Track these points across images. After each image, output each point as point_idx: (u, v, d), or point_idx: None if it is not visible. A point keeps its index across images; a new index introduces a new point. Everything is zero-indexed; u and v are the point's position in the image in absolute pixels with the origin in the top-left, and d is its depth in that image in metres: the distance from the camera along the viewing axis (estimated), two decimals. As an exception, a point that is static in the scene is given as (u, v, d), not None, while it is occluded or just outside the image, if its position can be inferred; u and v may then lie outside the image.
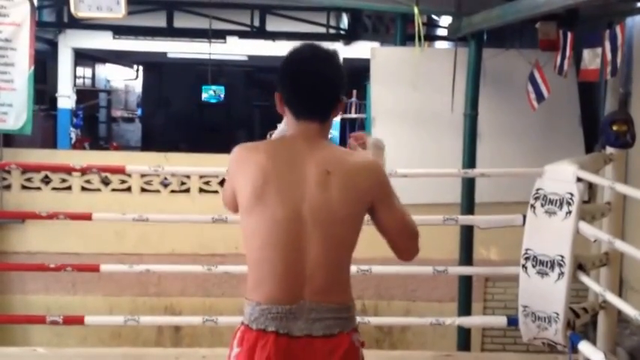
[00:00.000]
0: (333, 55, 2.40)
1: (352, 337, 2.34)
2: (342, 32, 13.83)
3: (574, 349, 4.54)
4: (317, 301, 2.26)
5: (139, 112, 21.30)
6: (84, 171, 6.65)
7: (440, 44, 11.85)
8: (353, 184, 2.27)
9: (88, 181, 8.05)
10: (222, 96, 19.36)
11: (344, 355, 2.30)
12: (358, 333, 2.41)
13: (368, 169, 2.33)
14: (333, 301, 2.29)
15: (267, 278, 2.29)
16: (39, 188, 8.06)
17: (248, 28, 12.93)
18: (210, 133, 18.76)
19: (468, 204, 6.68)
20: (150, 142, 18.24)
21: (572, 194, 4.50)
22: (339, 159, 2.31)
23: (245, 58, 16.22)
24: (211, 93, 18.90)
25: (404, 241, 2.42)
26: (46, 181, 8.07)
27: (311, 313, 2.26)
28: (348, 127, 15.29)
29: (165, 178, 8.09)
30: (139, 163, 6.71)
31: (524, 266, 4.72)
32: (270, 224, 2.25)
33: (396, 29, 9.27)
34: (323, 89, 2.32)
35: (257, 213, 2.27)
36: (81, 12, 7.16)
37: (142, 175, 7.98)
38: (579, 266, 4.60)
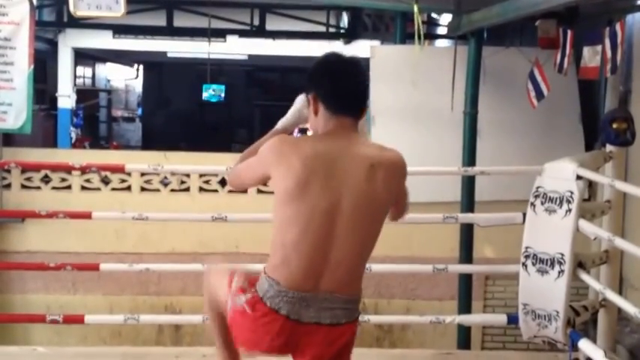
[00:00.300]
0: (359, 63, 2.61)
1: (354, 327, 2.49)
2: (342, 31, 13.83)
3: (574, 347, 4.53)
4: (332, 292, 2.39)
5: (139, 111, 21.29)
6: (83, 170, 6.63)
7: (440, 43, 11.84)
8: (392, 176, 2.47)
9: (87, 181, 8.04)
10: (223, 95, 19.36)
11: (344, 345, 2.45)
12: (358, 320, 2.56)
13: (401, 164, 2.54)
14: (347, 293, 2.43)
15: (293, 262, 2.39)
16: (39, 187, 8.05)
17: (248, 27, 12.92)
18: (210, 132, 18.78)
19: (468, 202, 6.68)
20: (150, 142, 18.24)
21: (572, 192, 4.49)
22: (379, 153, 2.50)
23: (245, 58, 16.21)
24: (211, 92, 18.90)
25: (401, 207, 2.71)
26: (46, 180, 8.06)
27: (324, 302, 2.39)
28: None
29: (165, 177, 8.08)
30: (139, 162, 6.71)
31: (524, 264, 4.72)
32: (310, 213, 2.37)
33: (395, 27, 9.27)
34: (359, 88, 2.55)
35: (299, 202, 2.38)
36: (80, 11, 7.15)
37: (142, 174, 7.98)
38: (579, 264, 4.60)
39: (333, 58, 2.57)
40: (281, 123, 2.82)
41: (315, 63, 2.60)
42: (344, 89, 2.51)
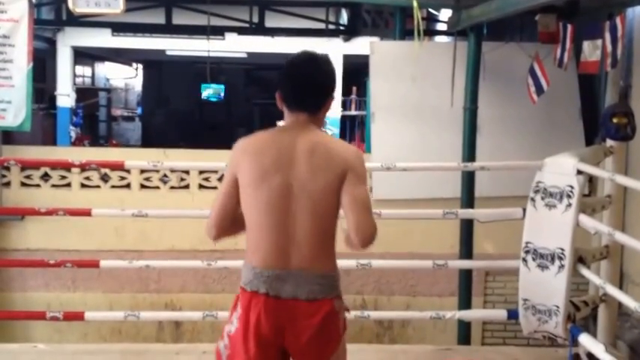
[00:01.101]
0: (324, 61, 2.81)
1: (334, 303, 2.67)
2: (341, 28, 13.82)
3: (574, 342, 4.53)
4: (303, 268, 2.61)
5: (138, 110, 21.28)
6: (82, 167, 6.63)
7: (440, 39, 11.83)
8: (336, 163, 2.64)
9: (87, 178, 8.03)
10: (222, 94, 19.34)
11: (324, 318, 2.62)
12: (341, 300, 2.73)
13: (347, 150, 2.73)
14: (318, 269, 2.64)
15: (261, 245, 2.66)
16: (38, 185, 8.04)
17: (247, 25, 12.91)
18: (210, 131, 18.76)
19: (468, 198, 6.67)
20: (150, 141, 18.20)
21: (572, 187, 4.49)
22: (325, 142, 2.72)
23: (244, 55, 16.20)
24: (211, 91, 18.92)
25: (360, 219, 2.62)
26: (46, 178, 8.06)
27: (298, 278, 2.61)
28: (348, 124, 15.30)
29: (165, 175, 8.08)
30: (138, 159, 6.69)
31: (524, 259, 4.71)
32: (267, 198, 2.63)
33: (395, 24, 9.27)
34: (311, 88, 2.75)
35: (257, 190, 2.65)
36: (79, 8, 7.15)
37: (142, 172, 7.97)
38: (580, 259, 4.59)
39: (295, 61, 2.81)
40: None
41: (285, 62, 2.85)
42: (298, 90, 2.76)
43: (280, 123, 3.04)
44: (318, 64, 2.80)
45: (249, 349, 2.63)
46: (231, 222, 2.80)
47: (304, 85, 2.77)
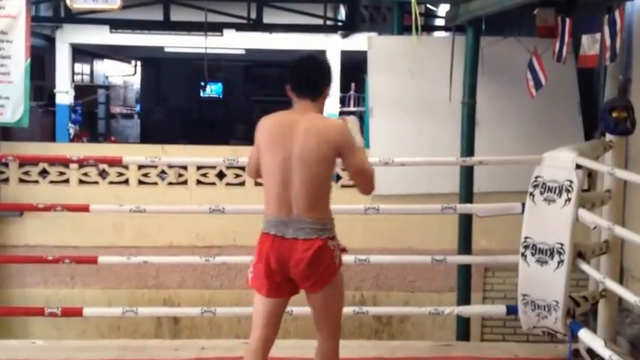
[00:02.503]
0: (321, 60, 3.73)
1: (327, 242, 3.45)
2: (339, 24, 13.79)
3: (574, 338, 4.52)
4: (301, 216, 3.43)
5: (137, 108, 21.25)
6: (80, 162, 6.61)
7: (438, 35, 11.81)
8: (322, 135, 3.47)
9: (85, 174, 8.03)
10: (221, 92, 19.33)
11: (316, 251, 3.41)
12: (335, 241, 3.51)
13: (333, 127, 3.53)
14: (313, 217, 3.44)
15: (270, 199, 3.50)
16: (36, 181, 8.04)
17: (245, 21, 12.88)
18: (208, 128, 18.75)
19: (467, 193, 6.66)
20: (148, 138, 18.16)
21: (571, 181, 4.48)
22: (318, 120, 3.55)
23: (242, 52, 16.17)
24: (209, 90, 18.91)
25: (360, 179, 3.62)
26: (44, 174, 8.05)
27: (298, 223, 3.44)
28: (347, 120, 15.24)
29: (163, 172, 8.07)
30: (136, 155, 6.68)
31: (523, 255, 4.70)
32: (273, 163, 3.48)
33: (393, 19, 9.25)
34: (310, 79, 3.59)
35: (267, 157, 3.50)
36: (77, 4, 7.15)
37: (140, 168, 7.96)
38: (579, 254, 4.58)
39: (300, 60, 3.66)
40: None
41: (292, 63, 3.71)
42: (301, 81, 3.58)
43: None
44: (317, 62, 3.67)
45: (262, 274, 3.49)
46: (257, 172, 3.65)
47: (307, 79, 3.58)
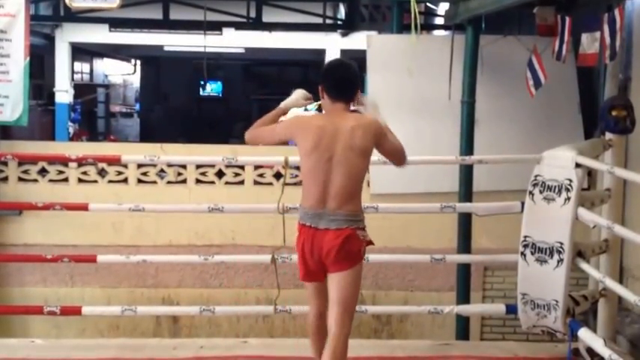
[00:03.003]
0: (353, 65, 3.96)
1: (356, 231, 3.76)
2: (339, 22, 13.78)
3: (574, 337, 4.51)
4: (334, 209, 3.74)
5: (137, 106, 21.23)
6: (79, 161, 6.60)
7: (438, 33, 11.81)
8: (368, 131, 3.78)
9: (84, 173, 8.02)
10: (221, 90, 19.29)
11: (344, 239, 3.72)
12: (364, 231, 3.81)
13: (373, 124, 3.83)
14: (345, 210, 3.75)
15: (310, 194, 3.80)
16: (36, 180, 8.03)
17: (244, 20, 12.86)
18: (208, 127, 18.73)
19: (466, 192, 6.65)
20: (148, 137, 18.14)
21: (570, 180, 4.47)
22: (358, 119, 3.83)
23: (242, 51, 16.16)
24: (209, 88, 18.87)
25: (396, 157, 3.99)
26: (43, 173, 8.04)
27: (330, 216, 3.74)
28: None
29: (162, 170, 8.06)
30: (135, 154, 6.68)
31: (522, 253, 4.69)
32: (318, 164, 3.75)
33: (392, 17, 9.24)
34: (347, 83, 3.89)
35: (312, 156, 3.76)
36: (76, 2, 7.15)
37: (139, 167, 7.95)
38: (579, 253, 4.57)
39: (334, 63, 4.11)
40: (283, 103, 4.11)
41: (325, 65, 4.19)
42: (338, 86, 3.87)
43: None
44: (349, 67, 3.95)
45: (300, 261, 3.87)
46: (268, 143, 4.11)
47: (342, 83, 3.88)
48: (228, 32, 13.11)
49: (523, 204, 4.77)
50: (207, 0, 10.74)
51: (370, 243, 3.85)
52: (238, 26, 13.10)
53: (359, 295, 3.90)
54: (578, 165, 4.48)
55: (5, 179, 8.01)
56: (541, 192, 4.62)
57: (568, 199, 4.46)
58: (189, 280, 8.06)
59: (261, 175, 7.94)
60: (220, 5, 12.20)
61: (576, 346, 4.61)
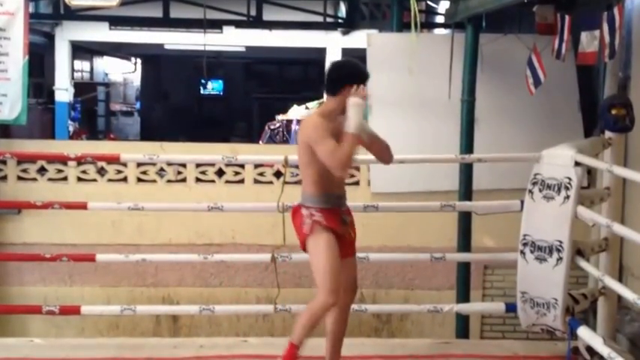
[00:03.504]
0: (339, 61, 4.30)
1: (301, 209, 4.06)
2: (339, 21, 13.78)
3: (573, 335, 4.50)
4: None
5: (137, 105, 21.22)
6: (79, 160, 6.58)
7: (438, 32, 11.81)
8: (301, 131, 4.08)
9: (84, 172, 8.01)
10: (221, 89, 19.29)
11: (292, 213, 4.19)
12: (310, 209, 4.01)
13: (303, 127, 4.12)
14: (303, 192, 4.08)
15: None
16: (35, 179, 8.02)
17: (244, 18, 12.87)
18: (209, 125, 18.73)
19: (466, 190, 6.65)
20: (148, 136, 18.13)
21: (570, 179, 4.46)
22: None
23: (242, 49, 16.16)
24: (210, 87, 18.86)
25: (332, 163, 3.91)
26: (42, 171, 8.03)
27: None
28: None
29: (162, 169, 8.05)
30: (135, 152, 6.67)
31: (522, 252, 4.69)
32: None
33: (392, 15, 9.25)
34: (325, 79, 4.12)
35: None
36: (76, 0, 7.15)
37: (138, 165, 7.94)
38: (578, 252, 4.56)
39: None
40: (352, 129, 3.90)
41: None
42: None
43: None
44: (332, 63, 4.15)
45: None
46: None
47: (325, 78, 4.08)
48: (229, 30, 13.13)
49: (523, 202, 4.76)
50: (207, -2, 10.76)
51: (317, 223, 4.01)
52: (238, 24, 13.12)
53: (323, 266, 3.97)
54: (577, 163, 4.47)
55: (4, 178, 8.00)
56: (540, 190, 4.61)
57: (567, 197, 4.45)
58: (189, 279, 8.06)
59: (261, 174, 7.94)
60: (220, 3, 12.21)
61: (576, 344, 4.60)
